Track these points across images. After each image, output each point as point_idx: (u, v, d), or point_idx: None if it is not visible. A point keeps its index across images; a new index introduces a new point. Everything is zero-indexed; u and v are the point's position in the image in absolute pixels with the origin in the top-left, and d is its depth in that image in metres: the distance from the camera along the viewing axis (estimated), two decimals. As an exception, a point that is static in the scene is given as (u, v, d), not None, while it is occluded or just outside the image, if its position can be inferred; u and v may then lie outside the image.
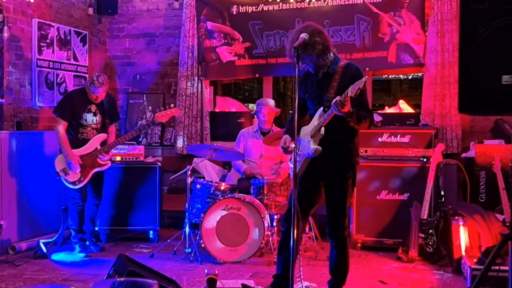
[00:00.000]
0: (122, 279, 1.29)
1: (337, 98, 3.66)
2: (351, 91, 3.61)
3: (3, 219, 5.60)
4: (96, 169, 5.66)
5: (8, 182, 5.71)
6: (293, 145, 3.90)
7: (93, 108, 5.67)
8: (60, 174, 5.58)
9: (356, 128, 3.94)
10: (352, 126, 3.86)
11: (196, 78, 7.15)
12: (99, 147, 5.65)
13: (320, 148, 3.87)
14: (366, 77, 3.77)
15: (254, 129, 6.24)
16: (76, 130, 5.63)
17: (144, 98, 7.57)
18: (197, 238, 5.52)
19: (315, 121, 3.97)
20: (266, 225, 5.27)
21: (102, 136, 5.71)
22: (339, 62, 3.99)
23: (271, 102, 6.22)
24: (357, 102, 3.78)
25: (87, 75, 7.10)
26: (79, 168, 5.54)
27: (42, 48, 6.44)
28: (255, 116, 6.24)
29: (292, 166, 4.03)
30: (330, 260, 4.16)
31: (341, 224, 4.03)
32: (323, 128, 3.85)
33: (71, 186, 5.61)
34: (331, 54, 3.99)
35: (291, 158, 4.26)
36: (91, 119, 5.66)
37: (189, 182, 5.55)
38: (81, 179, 5.59)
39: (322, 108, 3.92)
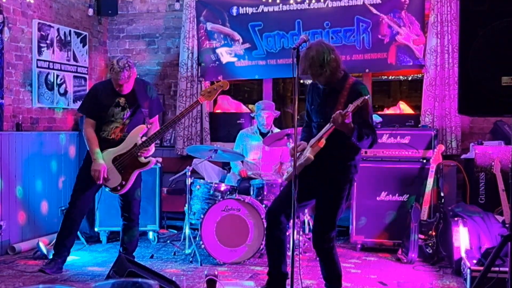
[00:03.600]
0: (122, 279, 1.29)
1: (338, 112, 3.66)
2: (351, 107, 3.62)
3: (2, 219, 5.60)
4: (139, 170, 4.86)
5: (8, 182, 5.71)
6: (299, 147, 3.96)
7: (122, 101, 4.82)
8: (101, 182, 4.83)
9: (358, 146, 3.92)
10: (353, 143, 3.83)
11: (196, 79, 7.16)
12: (139, 142, 4.78)
13: (312, 157, 3.82)
14: (368, 96, 3.76)
15: (253, 130, 6.26)
16: (98, 127, 4.85)
17: (144, 99, 7.56)
18: (197, 239, 5.52)
19: (319, 134, 3.95)
20: (265, 226, 5.27)
21: (141, 128, 4.84)
22: (347, 79, 3.96)
23: (271, 105, 6.21)
24: (360, 120, 3.77)
25: (87, 76, 7.10)
26: (103, 179, 4.78)
27: (42, 49, 6.44)
28: (255, 118, 6.26)
29: (291, 169, 4.07)
30: (321, 268, 4.15)
31: (325, 236, 3.97)
32: (323, 139, 3.82)
33: (114, 193, 4.94)
34: (342, 72, 3.97)
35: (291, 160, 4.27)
36: (118, 114, 4.81)
37: (188, 183, 5.55)
38: (123, 183, 4.82)
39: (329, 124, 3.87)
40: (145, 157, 4.83)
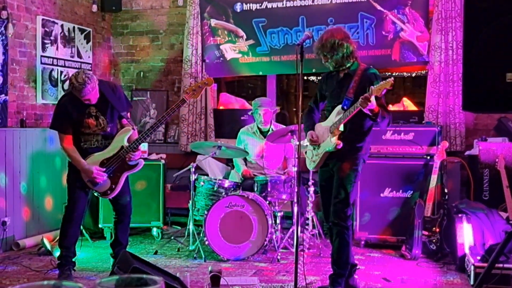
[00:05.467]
0: (127, 275, 1.29)
1: (364, 95, 3.83)
2: (376, 90, 3.79)
3: (7, 215, 5.62)
4: (127, 172, 4.72)
5: (12, 179, 5.73)
6: (317, 137, 4.24)
7: (93, 110, 4.62)
8: (89, 187, 4.67)
9: (366, 130, 4.18)
10: (360, 128, 4.10)
11: (200, 76, 7.16)
12: (126, 145, 4.66)
13: (340, 142, 4.07)
14: (392, 78, 3.92)
15: (253, 129, 6.15)
16: (77, 139, 4.66)
17: (148, 95, 7.59)
18: (201, 235, 5.53)
19: (333, 117, 4.17)
20: (269, 222, 5.27)
21: (127, 130, 4.70)
22: (359, 65, 4.22)
23: (268, 102, 6.12)
24: (377, 103, 3.96)
25: (91, 72, 7.08)
26: (105, 177, 4.62)
27: (46, 45, 6.45)
28: (253, 115, 6.18)
29: (316, 158, 4.28)
30: (332, 251, 4.27)
31: (341, 212, 4.15)
32: (342, 125, 4.07)
33: (104, 197, 4.83)
34: (355, 59, 4.23)
35: (306, 152, 4.44)
36: (93, 124, 4.64)
37: (192, 179, 5.56)
38: (113, 187, 4.67)
39: (340, 106, 4.11)
40: (133, 160, 4.69)
